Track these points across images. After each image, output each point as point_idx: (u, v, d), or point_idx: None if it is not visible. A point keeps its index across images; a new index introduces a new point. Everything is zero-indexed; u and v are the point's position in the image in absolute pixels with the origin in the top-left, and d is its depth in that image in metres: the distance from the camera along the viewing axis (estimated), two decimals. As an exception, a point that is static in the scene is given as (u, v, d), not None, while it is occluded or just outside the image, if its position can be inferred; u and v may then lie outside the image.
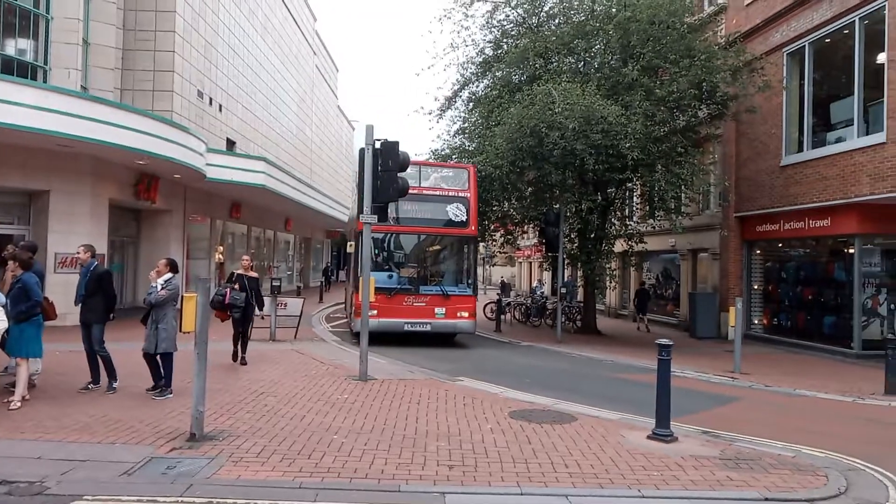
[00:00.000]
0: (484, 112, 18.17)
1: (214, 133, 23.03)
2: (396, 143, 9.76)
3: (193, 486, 4.90)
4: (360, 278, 12.91)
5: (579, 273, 20.88)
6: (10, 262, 7.59)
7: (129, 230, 19.67)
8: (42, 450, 5.58)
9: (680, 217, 17.64)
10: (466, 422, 7.17)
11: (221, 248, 25.33)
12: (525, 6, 18.65)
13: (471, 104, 20.38)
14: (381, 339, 13.44)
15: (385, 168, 9.71)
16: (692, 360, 13.61)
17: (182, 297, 6.35)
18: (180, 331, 6.47)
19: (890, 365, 10.13)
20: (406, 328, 13.93)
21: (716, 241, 19.41)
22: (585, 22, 17.05)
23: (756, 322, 18.27)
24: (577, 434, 6.77)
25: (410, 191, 13.96)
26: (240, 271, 10.84)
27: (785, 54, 16.62)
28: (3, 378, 8.13)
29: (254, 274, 10.98)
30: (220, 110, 24.14)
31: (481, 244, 22.79)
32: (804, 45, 15.97)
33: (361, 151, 9.81)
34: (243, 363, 10.36)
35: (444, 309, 14.07)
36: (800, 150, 16.21)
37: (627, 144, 14.31)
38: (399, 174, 9.91)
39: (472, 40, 20.04)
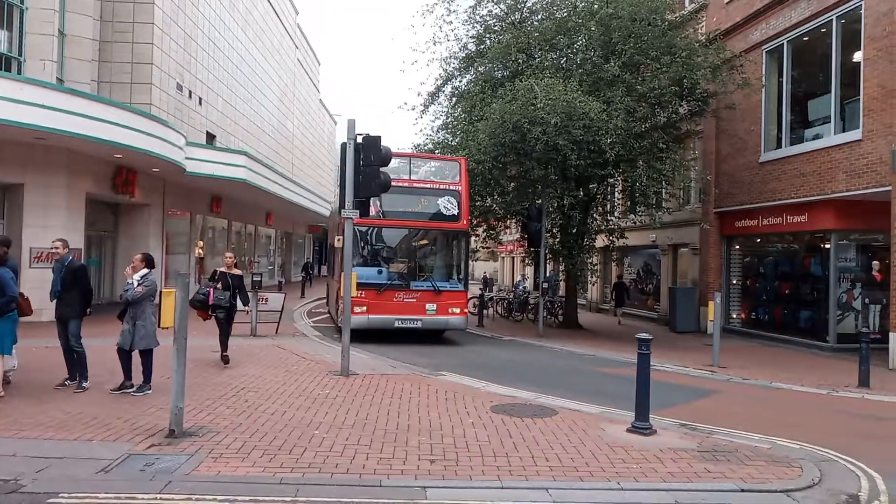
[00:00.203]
0: (467, 107, 18.15)
1: (194, 126, 22.76)
2: (378, 138, 9.73)
3: (172, 482, 4.86)
4: (352, 273, 12.87)
5: (561, 268, 21.00)
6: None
7: (107, 224, 19.40)
8: (17, 447, 5.49)
9: (660, 212, 17.81)
10: (448, 416, 7.19)
11: (202, 242, 25.08)
12: (508, 2, 18.66)
13: (453, 99, 20.36)
14: (369, 335, 13.34)
15: (367, 163, 9.67)
16: (672, 353, 13.77)
17: (161, 292, 6.26)
18: (159, 326, 6.39)
19: (863, 358, 10.33)
20: (397, 324, 13.55)
21: (696, 237, 19.62)
22: (567, 18, 17.09)
23: (735, 316, 18.52)
24: (557, 428, 6.82)
25: (400, 183, 13.78)
26: (223, 269, 10.35)
27: (764, 52, 16.81)
28: None
29: (238, 271, 10.56)
30: (200, 103, 23.85)
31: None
32: (783, 44, 16.17)
33: (343, 146, 9.76)
34: (225, 362, 9.91)
35: (435, 305, 13.74)
36: (778, 146, 16.42)
37: (609, 140, 14.38)
38: (381, 169, 9.87)
39: (455, 35, 20.06)
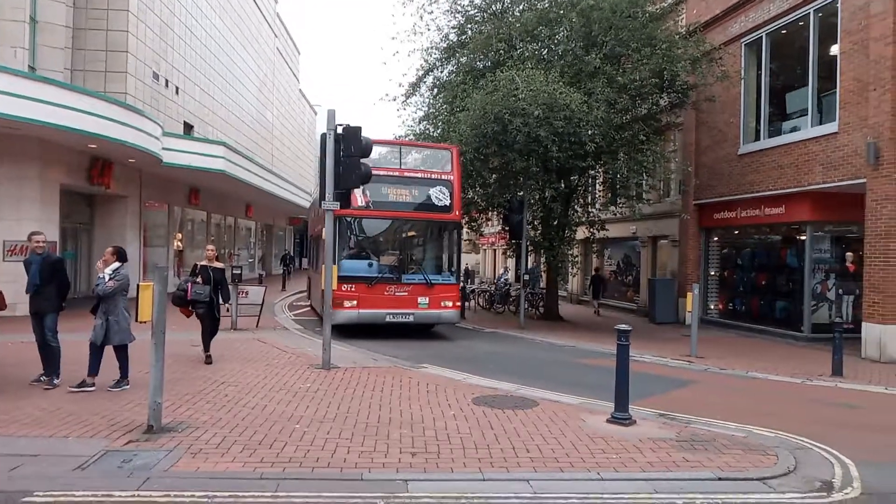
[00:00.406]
0: (448, 98, 18.08)
1: (171, 116, 22.41)
2: (359, 129, 9.64)
3: (150, 479, 4.80)
4: (335, 266, 12.71)
5: (542, 260, 21.09)
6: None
7: (82, 216, 19.06)
8: (-10, 445, 5.39)
9: (641, 203, 17.92)
10: (430, 409, 7.19)
11: (180, 235, 24.77)
12: (489, -9, 18.59)
13: (435, 90, 20.27)
14: (359, 330, 13.12)
15: (347, 154, 9.58)
16: (651, 344, 13.91)
17: (138, 285, 6.15)
18: (136, 321, 6.28)
19: (837, 348, 10.53)
20: (388, 319, 13.16)
21: (675, 229, 19.81)
22: (549, 9, 17.06)
23: (712, 307, 18.75)
24: (538, 419, 6.86)
25: (390, 172, 13.62)
26: (204, 262, 9.85)
27: (743, 45, 16.94)
28: None
29: (220, 265, 10.14)
30: (177, 93, 23.48)
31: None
32: (761, 36, 16.31)
33: (323, 137, 9.66)
34: (208, 362, 9.50)
35: (427, 298, 13.36)
36: (757, 139, 16.60)
37: (590, 132, 14.40)
38: (369, 157, 9.80)
39: (437, 25, 19.91)
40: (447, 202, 13.78)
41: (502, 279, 26.00)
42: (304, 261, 44.64)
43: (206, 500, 4.49)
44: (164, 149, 17.69)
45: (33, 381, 7.72)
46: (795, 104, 15.60)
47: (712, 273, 18.82)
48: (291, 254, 40.18)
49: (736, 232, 18.26)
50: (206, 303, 9.49)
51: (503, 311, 21.44)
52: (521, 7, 18.36)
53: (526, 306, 18.02)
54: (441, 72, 20.06)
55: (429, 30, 22.26)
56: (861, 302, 13.23)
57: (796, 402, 8.77)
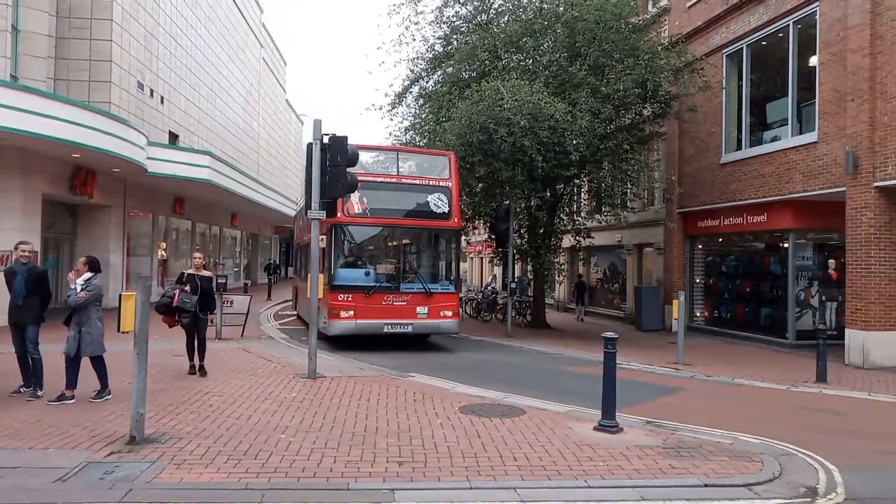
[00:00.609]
0: (434, 108, 18.14)
1: (156, 126, 22.28)
2: (345, 138, 9.65)
3: (133, 490, 4.73)
4: (332, 274, 12.57)
5: (529, 268, 21.15)
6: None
7: (65, 226, 18.85)
8: (-32, 458, 5.29)
9: (626, 211, 18.05)
10: (416, 418, 7.16)
11: (164, 244, 24.55)
12: (475, 2, 18.72)
13: (421, 100, 20.35)
14: (354, 342, 12.95)
15: (334, 163, 9.57)
16: (637, 352, 13.97)
17: (120, 295, 6.07)
18: (118, 331, 6.18)
19: (821, 354, 10.64)
20: (386, 330, 12.72)
21: (660, 237, 19.97)
22: (534, 20, 17.22)
23: (698, 314, 18.89)
24: (525, 427, 6.85)
25: (388, 179, 13.43)
26: (191, 271, 9.71)
27: (724, 56, 17.19)
28: None
29: (207, 273, 9.96)
30: (162, 102, 23.36)
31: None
32: (742, 47, 16.56)
33: (309, 146, 9.64)
34: (203, 374, 9.31)
35: (426, 308, 12.94)
36: (738, 148, 16.81)
37: (574, 141, 14.50)
38: (348, 169, 9.79)
39: (423, 36, 20.07)
40: (446, 209, 13.48)
41: (489, 287, 26.02)
42: (290, 270, 44.44)
43: (189, 511, 4.44)
44: (148, 158, 17.57)
45: (13, 393, 7.60)
46: (776, 114, 15.84)
47: (697, 280, 18.98)
48: (277, 262, 39.91)
49: (720, 240, 18.44)
50: (191, 312, 9.30)
51: (490, 319, 21.45)
52: (506, 18, 18.52)
53: (513, 314, 18.04)
54: (427, 82, 20.17)
55: (414, 40, 22.38)
56: (844, 308, 13.40)
57: (782, 409, 8.83)
